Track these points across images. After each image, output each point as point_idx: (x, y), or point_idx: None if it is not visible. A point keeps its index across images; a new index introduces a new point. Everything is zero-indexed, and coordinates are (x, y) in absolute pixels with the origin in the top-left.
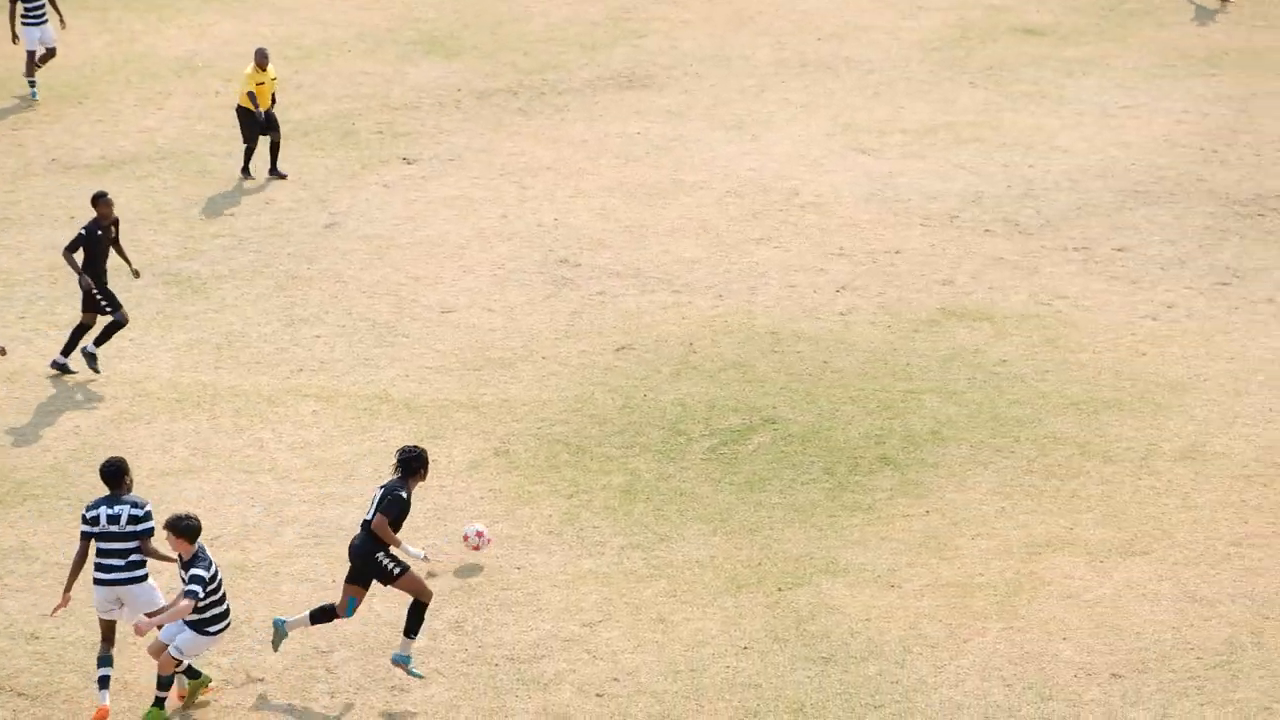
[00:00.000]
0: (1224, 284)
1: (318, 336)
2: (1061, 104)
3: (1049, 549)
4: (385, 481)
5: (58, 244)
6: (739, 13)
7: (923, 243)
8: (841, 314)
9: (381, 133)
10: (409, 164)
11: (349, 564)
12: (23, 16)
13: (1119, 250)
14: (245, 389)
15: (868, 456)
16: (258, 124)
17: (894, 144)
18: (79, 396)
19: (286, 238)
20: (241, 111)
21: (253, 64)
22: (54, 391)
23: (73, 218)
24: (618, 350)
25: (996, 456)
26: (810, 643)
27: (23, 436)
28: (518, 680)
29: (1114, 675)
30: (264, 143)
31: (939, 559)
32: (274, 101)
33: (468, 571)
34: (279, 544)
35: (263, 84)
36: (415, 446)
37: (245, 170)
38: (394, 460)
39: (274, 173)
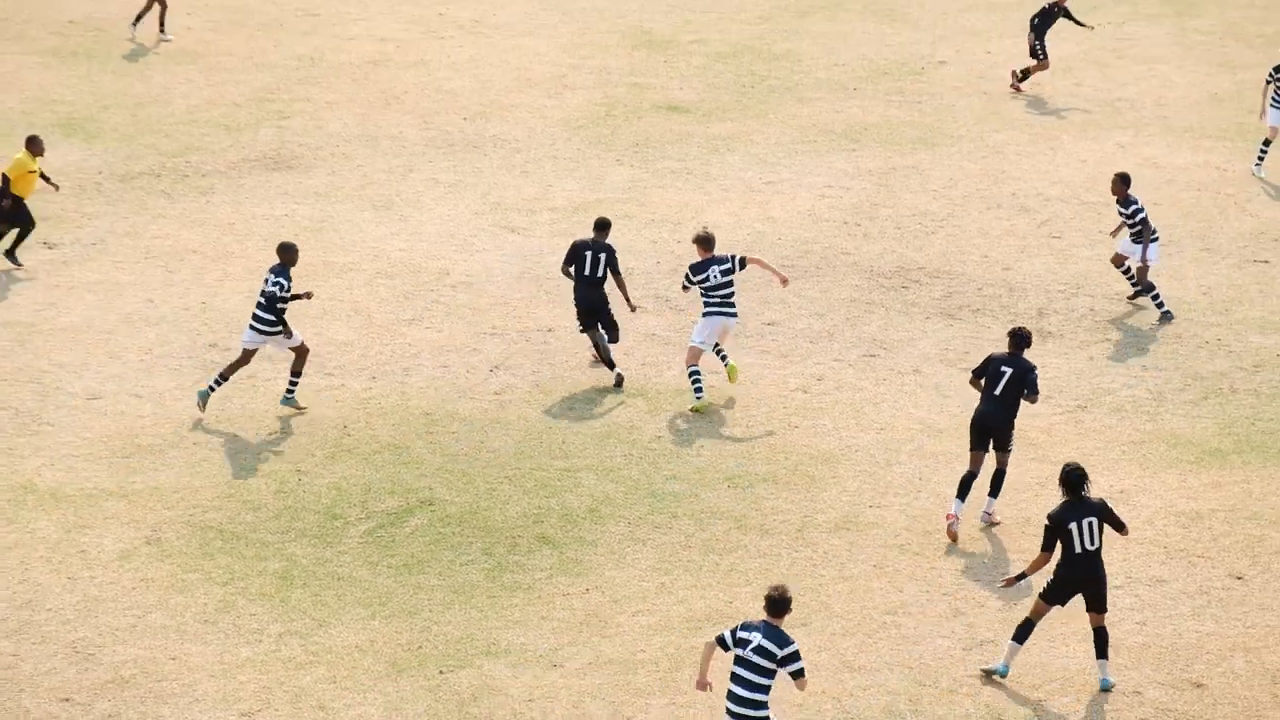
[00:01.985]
0: (872, 356)
1: None
2: (707, 180)
3: (709, 623)
4: None
5: None
6: (385, 93)
7: (574, 321)
8: (496, 393)
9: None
10: (50, 248)
11: None
12: None
13: (769, 324)
14: None
15: (526, 536)
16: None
17: (543, 222)
18: None
19: None
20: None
21: (24, 150)
22: None
23: None
24: (270, 435)
25: (655, 533)
26: None
27: None
28: None
29: None
30: None
31: (600, 637)
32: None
33: (120, 664)
34: None
35: (32, 171)
36: None
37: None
38: None
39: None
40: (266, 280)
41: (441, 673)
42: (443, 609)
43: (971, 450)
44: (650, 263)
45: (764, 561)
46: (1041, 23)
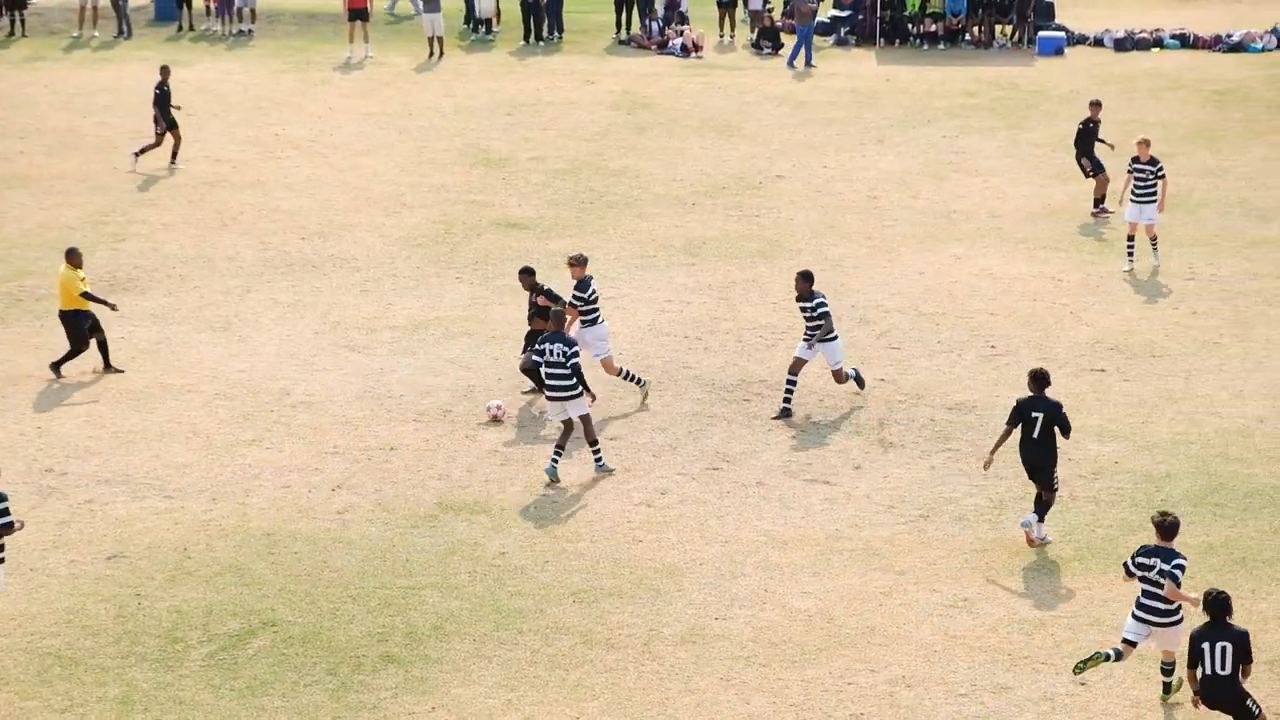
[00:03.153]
0: (714, 469)
1: None
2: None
3: None
4: None
5: None
6: (220, 214)
7: (416, 438)
8: (339, 512)
9: None
10: None
11: None
12: None
13: (611, 439)
14: None
15: (371, 655)
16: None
17: (384, 340)
18: None
19: None
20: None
21: (66, 265)
22: None
23: None
24: (109, 559)
25: (500, 649)
26: None
27: None
28: None
29: None
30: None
31: None
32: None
33: None
34: None
35: (84, 279)
36: None
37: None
38: None
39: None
40: None
41: None
42: None
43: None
44: (492, 380)
45: (610, 676)
46: (1081, 142)
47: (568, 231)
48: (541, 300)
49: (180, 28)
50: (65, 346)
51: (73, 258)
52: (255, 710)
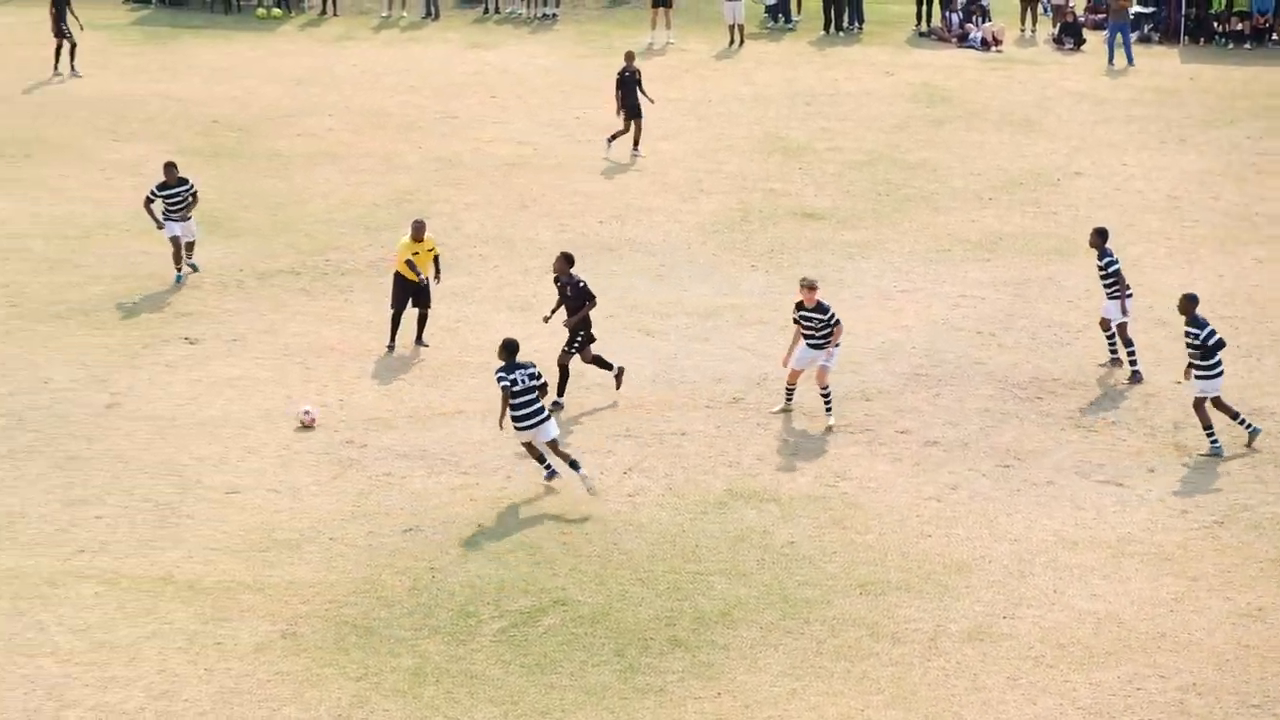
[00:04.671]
0: (1006, 466)
1: (99, 517)
2: (841, 287)
3: None
4: None
5: None
6: (521, 195)
7: (708, 424)
8: (629, 496)
9: (163, 312)
10: (191, 344)
11: None
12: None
13: (902, 433)
14: (24, 570)
15: (658, 638)
16: (408, 292)
17: (678, 326)
18: None
19: (65, 418)
20: (397, 277)
21: (409, 235)
22: None
23: None
24: (405, 532)
25: (787, 638)
26: None
27: None
28: None
29: None
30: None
31: None
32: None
33: None
34: None
35: (418, 254)
36: None
37: (391, 345)
38: None
39: (420, 342)
40: None
41: None
42: (574, 710)
43: None
44: (784, 369)
45: (896, 670)
46: None
47: (863, 223)
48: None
49: (486, 10)
50: (368, 319)
51: (415, 230)
52: (543, 687)
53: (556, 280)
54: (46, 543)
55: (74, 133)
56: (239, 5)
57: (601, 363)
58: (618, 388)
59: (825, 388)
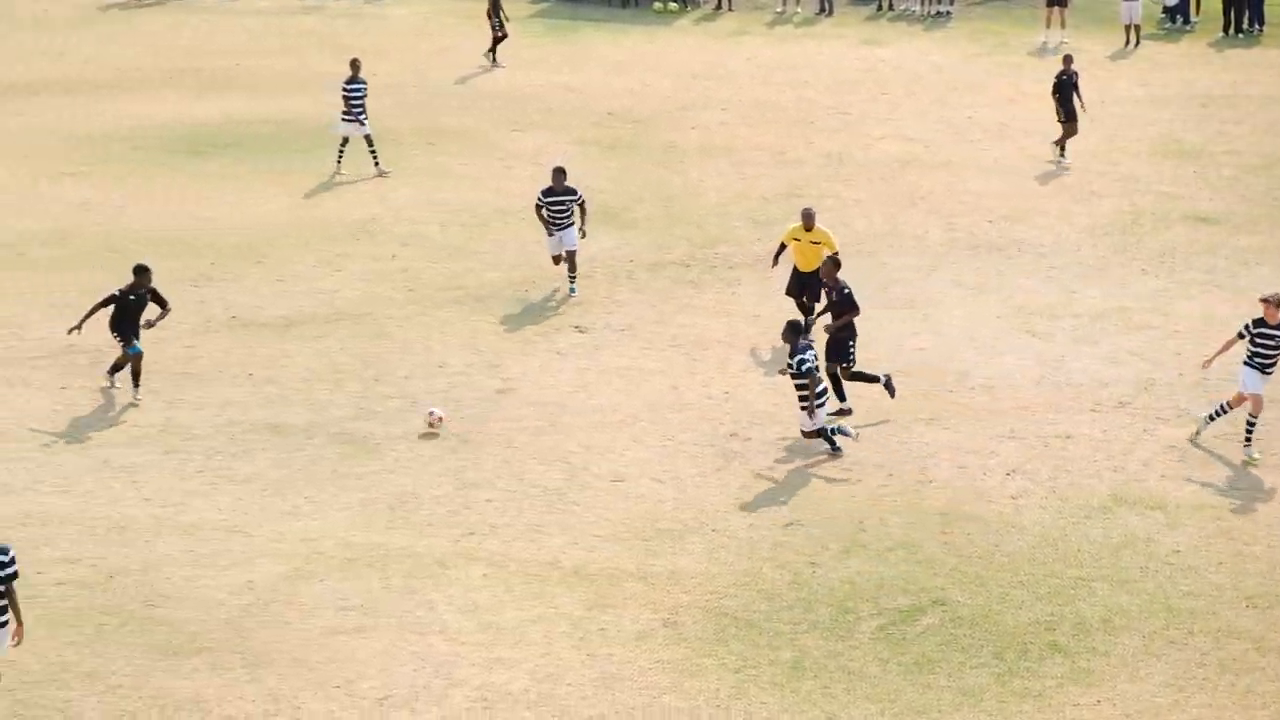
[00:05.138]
0: None
1: (489, 501)
2: (1235, 293)
3: None
4: None
5: (236, 400)
6: (910, 193)
7: (1093, 428)
8: (1012, 497)
9: (555, 301)
10: (581, 333)
11: None
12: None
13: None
14: (417, 550)
15: (1038, 643)
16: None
17: (1065, 328)
18: (255, 551)
19: (459, 401)
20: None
21: (799, 222)
22: (229, 545)
23: (250, 374)
24: (786, 526)
25: (1170, 648)
26: None
27: (198, 589)
28: None
29: None
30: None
31: None
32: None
33: None
34: (448, 706)
35: (798, 240)
36: None
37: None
38: None
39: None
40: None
41: None
42: (950, 710)
43: None
44: (1173, 374)
45: None
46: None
47: (1259, 228)
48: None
49: (880, 7)
50: (755, 312)
51: (804, 219)
52: (921, 687)
53: (823, 285)
54: (438, 524)
55: (475, 122)
56: (636, 0)
57: (866, 377)
58: (891, 397)
59: (1254, 417)
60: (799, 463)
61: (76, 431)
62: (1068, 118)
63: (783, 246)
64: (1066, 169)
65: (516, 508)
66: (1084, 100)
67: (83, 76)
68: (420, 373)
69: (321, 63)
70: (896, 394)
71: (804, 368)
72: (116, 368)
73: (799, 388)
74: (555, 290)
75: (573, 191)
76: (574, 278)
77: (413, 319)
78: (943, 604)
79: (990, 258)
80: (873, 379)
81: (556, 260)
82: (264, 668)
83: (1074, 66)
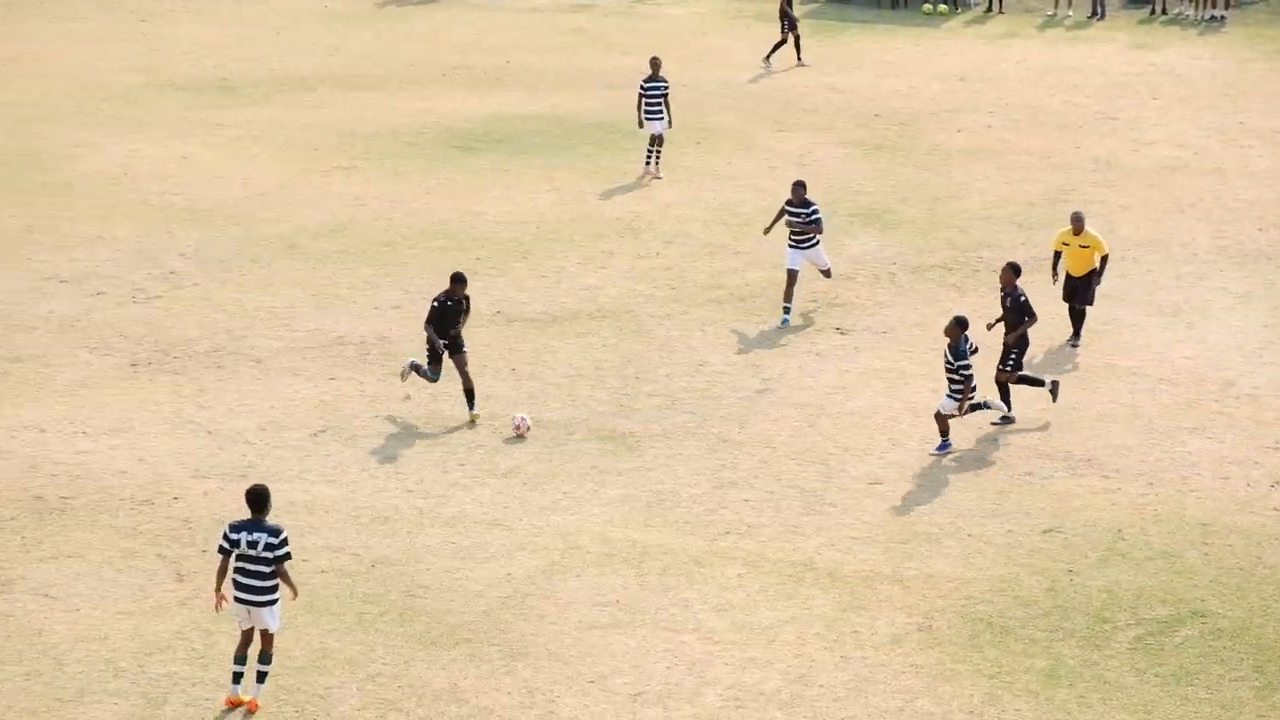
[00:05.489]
0: None
1: (746, 500)
2: None
3: None
4: None
5: (498, 394)
6: (1178, 199)
7: None
8: (1276, 509)
9: (815, 302)
10: (842, 334)
11: None
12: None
13: None
14: (673, 548)
15: None
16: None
17: None
18: (514, 545)
19: (719, 400)
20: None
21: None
22: (489, 538)
23: (513, 369)
24: (1045, 532)
25: None
26: None
27: (457, 581)
28: None
29: None
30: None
31: None
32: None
33: None
34: (700, 705)
35: (1068, 245)
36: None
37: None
38: None
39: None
40: None
41: None
42: None
43: None
44: None
45: None
46: None
47: None
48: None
49: (1153, 10)
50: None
51: (1073, 222)
52: (1179, 699)
53: (1001, 291)
54: (695, 522)
55: (742, 122)
56: (906, 1)
57: (1030, 380)
58: (1054, 400)
59: None
60: (1059, 469)
61: (343, 422)
62: None
63: (1058, 254)
64: None
65: (773, 508)
66: None
67: (358, 71)
68: (680, 371)
69: (591, 60)
70: (1058, 399)
71: (960, 363)
72: (418, 368)
73: (954, 381)
74: (815, 291)
75: (809, 204)
76: (789, 308)
77: (674, 317)
78: (1202, 615)
79: (1259, 266)
80: (1037, 382)
81: (792, 277)
82: (520, 660)
83: None
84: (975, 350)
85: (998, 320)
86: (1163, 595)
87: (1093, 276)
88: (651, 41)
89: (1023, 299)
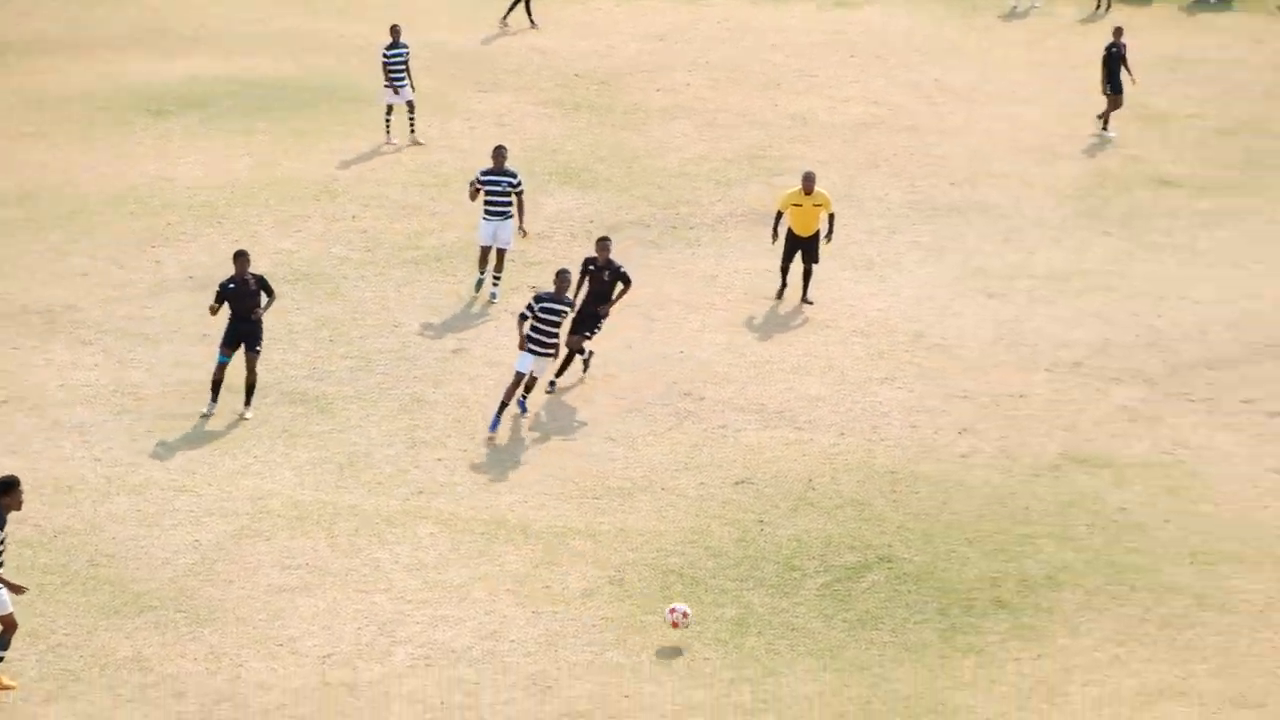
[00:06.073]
0: None
1: (439, 460)
2: (1194, 255)
3: (1161, 698)
4: None
5: (189, 360)
6: (873, 155)
7: (1047, 388)
8: (962, 456)
9: (513, 261)
10: (533, 289)
11: None
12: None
13: (1245, 403)
14: (365, 509)
15: (982, 599)
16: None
17: (1022, 289)
18: (202, 510)
19: (414, 361)
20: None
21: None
22: (177, 505)
23: (204, 335)
24: (736, 484)
25: (1112, 604)
26: None
27: (143, 549)
28: None
29: None
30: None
31: (1049, 705)
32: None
33: (576, 699)
34: (390, 664)
35: (799, 205)
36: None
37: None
38: None
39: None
40: None
41: None
42: (894, 665)
43: None
44: (1129, 335)
45: (1222, 640)
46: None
47: (1222, 191)
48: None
49: None
50: (713, 272)
51: (804, 181)
52: (864, 642)
53: (595, 266)
54: (388, 483)
55: (441, 83)
56: None
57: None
58: (585, 370)
59: None
60: (752, 422)
61: (28, 392)
62: (1114, 90)
63: (779, 215)
64: (1109, 140)
65: (466, 466)
66: (1133, 74)
67: (47, 35)
68: (375, 332)
69: (284, 21)
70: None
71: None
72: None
73: (549, 333)
74: (514, 252)
75: (512, 175)
76: (499, 279)
77: (369, 279)
78: (889, 561)
79: (950, 219)
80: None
81: (485, 254)
82: (207, 626)
83: (1123, 39)
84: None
85: (589, 294)
86: (851, 542)
87: (818, 236)
88: (349, 4)
89: (622, 269)
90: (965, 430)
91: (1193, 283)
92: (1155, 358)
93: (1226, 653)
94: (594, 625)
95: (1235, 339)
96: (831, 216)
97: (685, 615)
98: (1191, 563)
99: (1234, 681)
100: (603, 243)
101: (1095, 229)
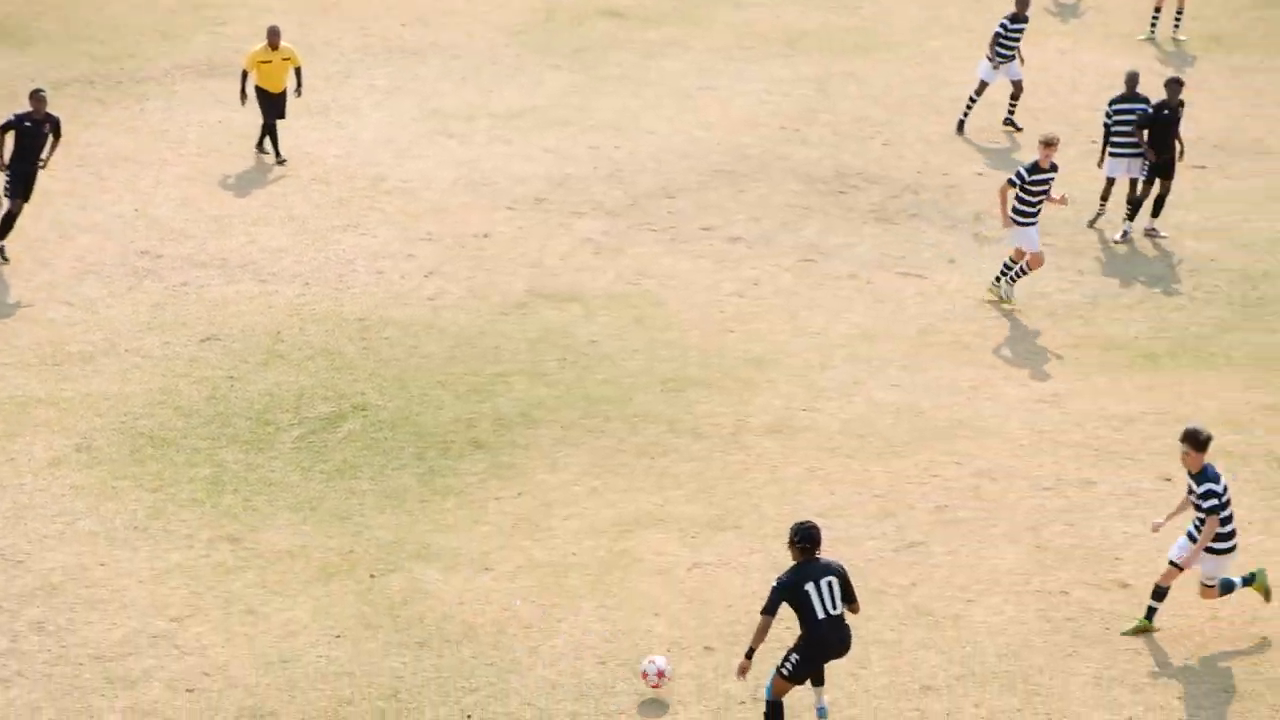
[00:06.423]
0: (808, 260)
1: None
2: (645, 86)
3: (640, 526)
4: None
5: None
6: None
7: (510, 226)
8: (430, 299)
9: None
10: None
11: None
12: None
13: (704, 229)
14: None
15: (459, 440)
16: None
17: (481, 128)
18: None
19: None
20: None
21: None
22: None
23: None
24: (203, 341)
25: (587, 436)
26: (403, 628)
27: None
28: (104, 679)
29: (706, 648)
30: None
31: (532, 540)
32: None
33: (49, 571)
34: None
35: (268, 61)
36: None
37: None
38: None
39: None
40: None
41: (372, 576)
42: (374, 513)
43: None
44: (588, 169)
45: (696, 465)
46: None
47: (667, 21)
48: None
49: None
50: (164, 127)
51: (269, 36)
52: (343, 492)
53: (27, 118)
54: None
55: None
56: None
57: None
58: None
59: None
60: (215, 278)
61: None
62: None
63: (245, 74)
64: None
65: None
66: None
67: None
68: None
69: None
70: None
71: None
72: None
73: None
74: None
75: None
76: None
77: None
78: (363, 409)
79: (405, 62)
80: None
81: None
82: None
83: None
84: None
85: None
86: (324, 393)
87: (286, 94)
88: None
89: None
90: (432, 273)
91: (645, 113)
92: (615, 190)
93: (700, 477)
94: (63, 495)
95: (690, 168)
96: (299, 70)
97: (661, 674)
98: (662, 390)
99: (710, 505)
100: (38, 94)
101: (548, 64)
